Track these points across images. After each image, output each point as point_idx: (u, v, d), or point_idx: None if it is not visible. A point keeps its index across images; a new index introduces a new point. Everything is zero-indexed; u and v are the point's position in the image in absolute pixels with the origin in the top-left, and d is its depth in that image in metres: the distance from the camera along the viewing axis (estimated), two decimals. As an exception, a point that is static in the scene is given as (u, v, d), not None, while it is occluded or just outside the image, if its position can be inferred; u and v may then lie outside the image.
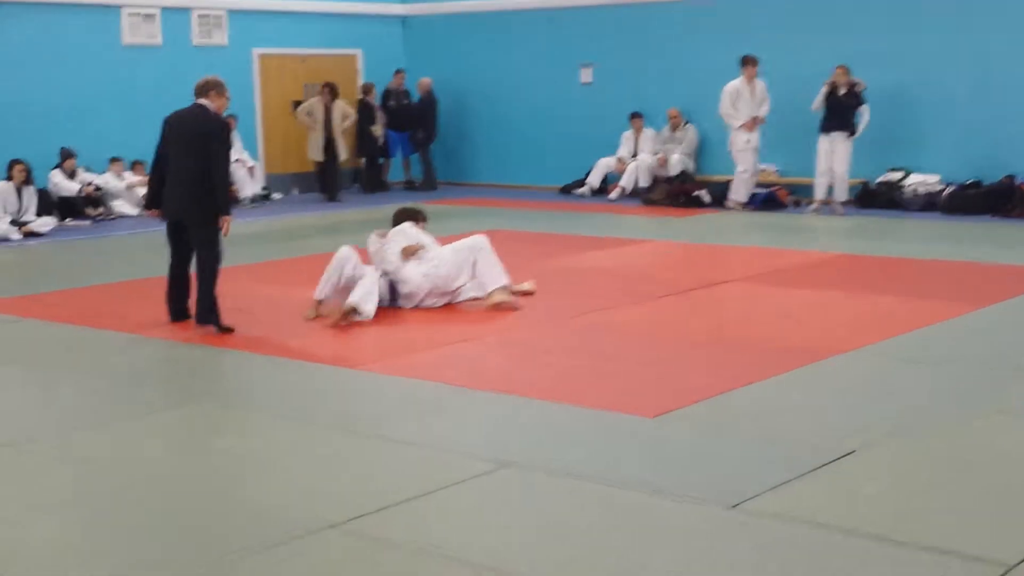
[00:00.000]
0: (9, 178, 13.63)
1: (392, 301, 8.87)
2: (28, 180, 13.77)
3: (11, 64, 15.04)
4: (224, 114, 8.74)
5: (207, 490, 5.10)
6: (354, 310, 8.39)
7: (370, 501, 4.85)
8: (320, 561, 4.33)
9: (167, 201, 8.55)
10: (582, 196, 17.10)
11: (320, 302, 8.69)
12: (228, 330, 8.25)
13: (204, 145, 8.31)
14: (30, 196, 13.81)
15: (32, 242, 13.22)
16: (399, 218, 9.32)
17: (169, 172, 8.52)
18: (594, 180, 17.22)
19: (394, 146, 18.70)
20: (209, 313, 8.32)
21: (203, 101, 8.53)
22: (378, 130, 18.04)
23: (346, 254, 8.83)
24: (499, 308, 8.80)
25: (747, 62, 14.87)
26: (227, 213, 8.41)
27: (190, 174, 8.34)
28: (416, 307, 8.90)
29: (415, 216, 9.35)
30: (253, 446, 5.76)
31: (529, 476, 5.18)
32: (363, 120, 17.95)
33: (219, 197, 8.35)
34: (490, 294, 8.89)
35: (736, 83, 14.90)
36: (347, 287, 8.71)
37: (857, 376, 6.91)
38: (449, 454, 5.49)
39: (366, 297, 8.48)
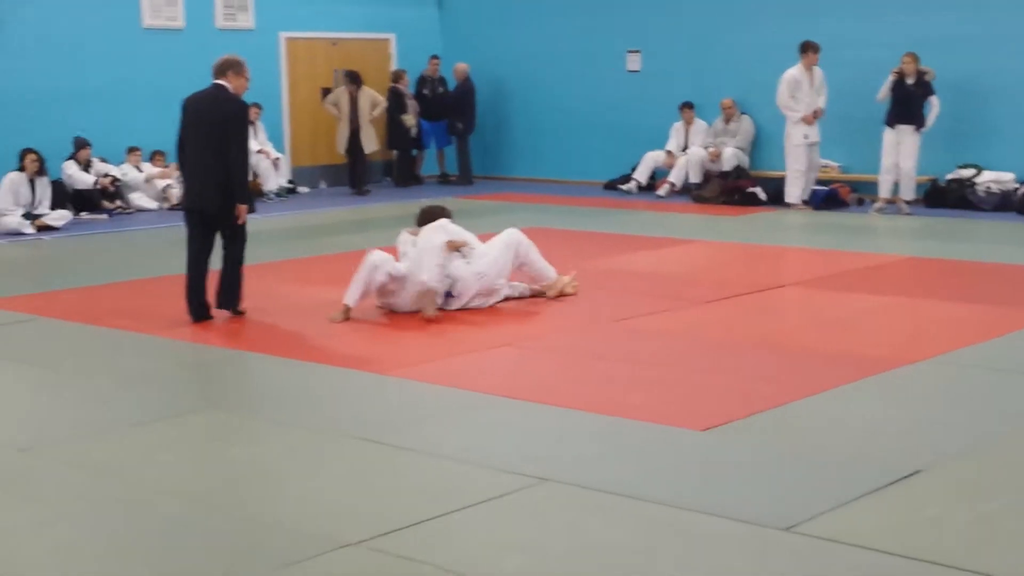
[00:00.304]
0: (21, 168, 13.72)
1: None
2: (41, 171, 13.85)
3: (25, 48, 15.18)
4: (248, 101, 8.79)
5: (221, 503, 5.11)
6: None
7: (396, 518, 4.84)
8: (343, 581, 4.32)
9: (190, 190, 8.61)
10: (628, 192, 17.03)
11: (349, 307, 8.68)
12: (242, 313, 8.69)
13: (223, 130, 8.38)
14: (44, 188, 13.91)
15: (46, 237, 13.33)
16: (429, 216, 9.27)
17: (189, 159, 8.57)
18: (641, 175, 17.15)
19: (428, 137, 18.71)
20: (235, 299, 8.69)
21: (221, 82, 8.60)
22: (410, 120, 18.06)
23: (377, 260, 8.73)
24: (562, 296, 9.24)
25: (808, 48, 14.73)
26: (244, 202, 8.48)
27: (211, 161, 8.40)
28: (461, 308, 8.90)
29: (445, 213, 9.33)
30: (272, 456, 5.76)
31: (568, 492, 5.15)
32: (393, 109, 17.98)
33: (235, 184, 8.41)
34: (553, 284, 9.26)
35: (795, 71, 14.76)
36: (380, 292, 8.72)
37: (924, 389, 6.83)
38: (483, 468, 5.46)
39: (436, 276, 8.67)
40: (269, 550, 4.57)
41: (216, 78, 8.61)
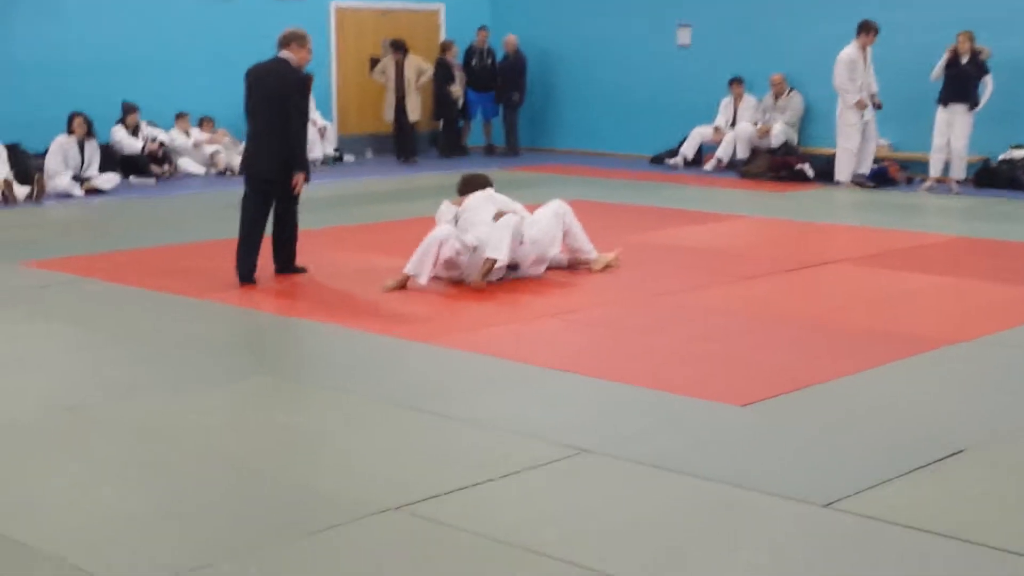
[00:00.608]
0: (70, 132, 13.85)
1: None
2: (90, 133, 13.96)
3: (77, 13, 15.29)
4: (306, 69, 8.91)
5: (264, 468, 5.16)
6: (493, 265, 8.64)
7: (437, 485, 4.87)
8: (380, 544, 4.36)
9: (254, 159, 8.78)
10: (675, 167, 16.96)
11: (408, 277, 8.60)
12: (304, 270, 9.06)
13: (283, 100, 8.56)
14: (93, 151, 14.03)
15: (94, 199, 13.46)
16: (472, 184, 9.27)
17: (251, 127, 8.78)
18: (688, 150, 17.08)
19: (474, 108, 18.72)
20: (293, 258, 9.04)
21: (284, 54, 8.78)
22: (457, 90, 18.06)
23: (442, 235, 8.64)
24: (609, 268, 9.33)
25: (867, 28, 14.46)
26: (301, 170, 8.71)
27: (271, 130, 8.61)
28: (519, 277, 8.94)
29: (487, 182, 9.33)
30: (317, 422, 5.82)
31: (608, 464, 5.16)
32: (440, 80, 17.99)
33: (294, 154, 8.61)
34: (598, 258, 9.31)
35: (851, 50, 14.54)
36: (447, 264, 8.73)
37: (970, 368, 6.78)
38: (524, 437, 5.49)
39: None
40: (309, 514, 4.61)
41: (280, 50, 8.79)
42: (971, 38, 13.90)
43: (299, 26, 9.04)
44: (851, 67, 14.50)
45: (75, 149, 13.84)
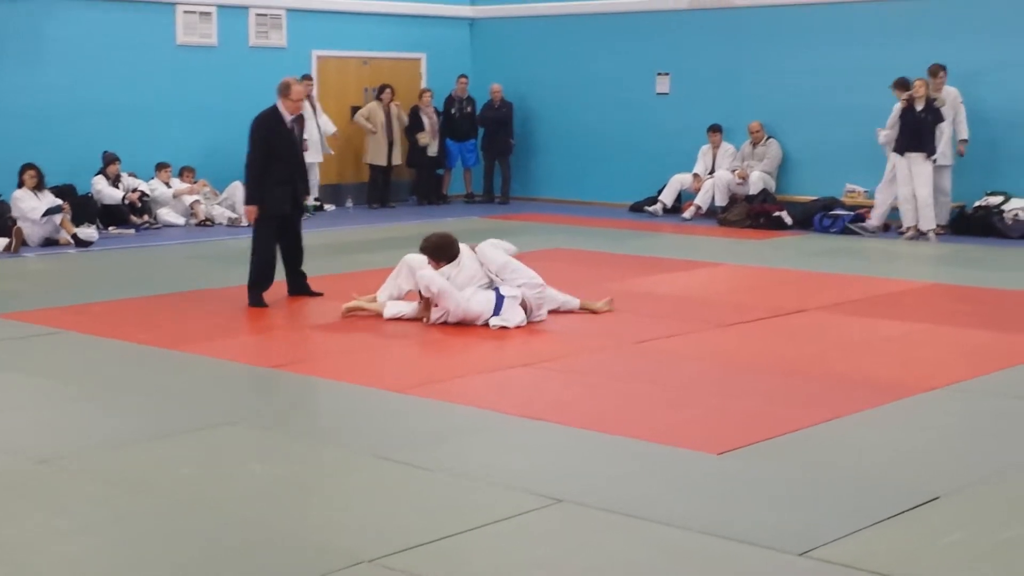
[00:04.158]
0: (21, 185, 13.61)
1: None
2: (40, 186, 13.67)
3: (57, 62, 15.28)
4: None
5: (240, 517, 5.12)
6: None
7: (413, 536, 4.84)
8: (356, 597, 4.32)
9: (280, 200, 9.94)
10: (654, 215, 17.00)
11: (373, 300, 9.29)
12: (320, 294, 10.18)
13: (296, 145, 10.18)
14: (47, 202, 13.62)
15: (73, 250, 13.39)
16: (451, 246, 9.16)
17: (279, 172, 9.92)
18: (667, 197, 17.11)
19: (454, 157, 18.77)
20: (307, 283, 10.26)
21: (277, 102, 9.97)
22: (425, 138, 18.04)
23: (408, 260, 9.29)
24: (602, 312, 9.52)
25: (903, 86, 14.32)
26: (247, 203, 10.05)
27: (294, 172, 10.16)
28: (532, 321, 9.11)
29: (456, 249, 9.24)
30: (290, 472, 5.78)
31: (584, 514, 5.14)
32: (409, 128, 18.07)
33: (303, 188, 10.41)
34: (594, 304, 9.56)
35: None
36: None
37: (944, 415, 6.79)
38: (498, 487, 5.46)
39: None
40: (285, 565, 4.57)
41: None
42: (927, 85, 13.96)
43: (278, 76, 10.06)
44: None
45: (30, 201, 13.54)
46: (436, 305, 8.86)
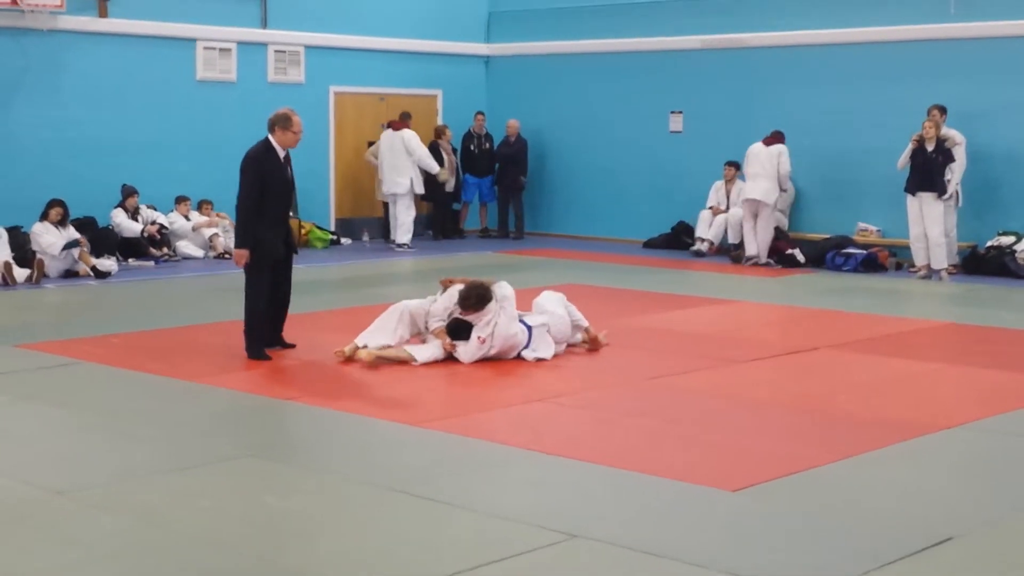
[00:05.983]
0: (44, 218, 13.67)
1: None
2: (63, 222, 13.76)
3: (78, 96, 15.41)
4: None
5: (253, 551, 5.11)
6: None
7: (425, 570, 4.82)
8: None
9: (272, 245, 9.19)
10: (700, 254, 16.78)
11: (363, 347, 8.98)
12: (292, 346, 9.39)
13: (289, 185, 9.32)
14: (68, 236, 13.70)
15: (93, 282, 13.43)
16: (485, 293, 9.12)
17: (270, 214, 9.17)
18: (713, 234, 16.79)
19: (471, 192, 18.81)
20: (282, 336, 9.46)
21: (269, 137, 9.12)
22: (444, 175, 18.05)
23: (407, 307, 9.18)
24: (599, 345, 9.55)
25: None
26: (238, 246, 9.17)
27: (284, 214, 9.43)
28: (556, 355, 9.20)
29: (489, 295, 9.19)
30: (306, 505, 5.77)
31: (597, 550, 5.11)
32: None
33: (292, 233, 9.54)
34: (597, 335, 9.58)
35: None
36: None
37: (958, 455, 6.75)
38: (511, 523, 5.44)
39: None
40: (298, 599, 4.55)
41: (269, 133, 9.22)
42: (936, 125, 13.94)
43: (288, 108, 9.34)
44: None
45: (50, 236, 13.57)
46: (483, 341, 8.88)
